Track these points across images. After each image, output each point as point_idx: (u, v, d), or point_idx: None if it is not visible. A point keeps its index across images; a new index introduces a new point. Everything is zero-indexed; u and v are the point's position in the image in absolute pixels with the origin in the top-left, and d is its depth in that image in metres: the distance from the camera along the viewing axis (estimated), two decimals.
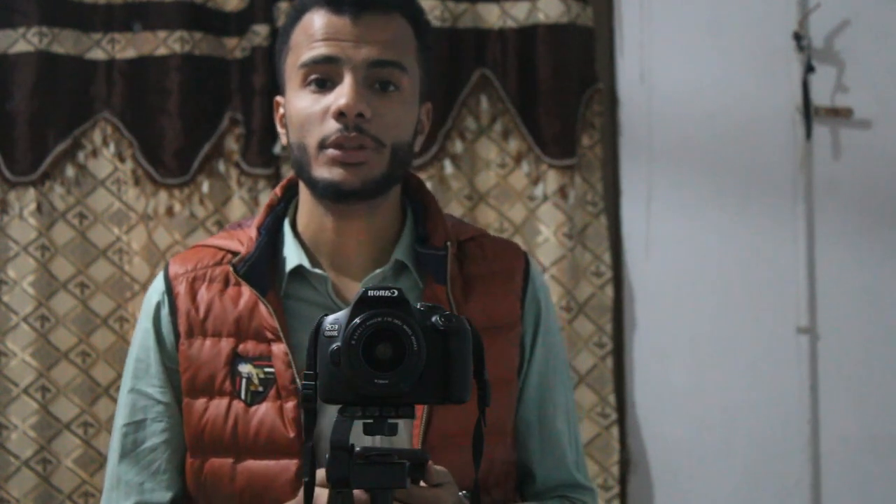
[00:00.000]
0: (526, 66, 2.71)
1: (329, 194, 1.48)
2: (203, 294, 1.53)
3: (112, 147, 2.67)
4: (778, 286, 2.72)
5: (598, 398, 2.69)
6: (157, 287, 1.57)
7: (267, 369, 1.48)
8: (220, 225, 2.65)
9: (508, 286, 1.57)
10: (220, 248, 1.56)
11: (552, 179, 2.71)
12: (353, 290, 1.52)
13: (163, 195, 2.66)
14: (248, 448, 1.47)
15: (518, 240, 2.70)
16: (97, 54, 2.67)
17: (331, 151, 1.46)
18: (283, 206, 1.60)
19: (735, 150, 2.73)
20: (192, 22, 2.66)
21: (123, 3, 2.67)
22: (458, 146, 2.72)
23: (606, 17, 2.79)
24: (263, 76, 2.65)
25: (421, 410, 1.45)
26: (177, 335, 1.52)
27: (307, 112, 1.48)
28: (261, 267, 1.53)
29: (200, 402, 1.50)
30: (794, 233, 2.72)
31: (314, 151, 1.47)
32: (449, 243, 1.53)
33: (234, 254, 1.54)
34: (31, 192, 2.63)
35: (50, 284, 2.62)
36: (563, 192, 2.70)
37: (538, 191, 2.72)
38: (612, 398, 2.69)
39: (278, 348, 1.48)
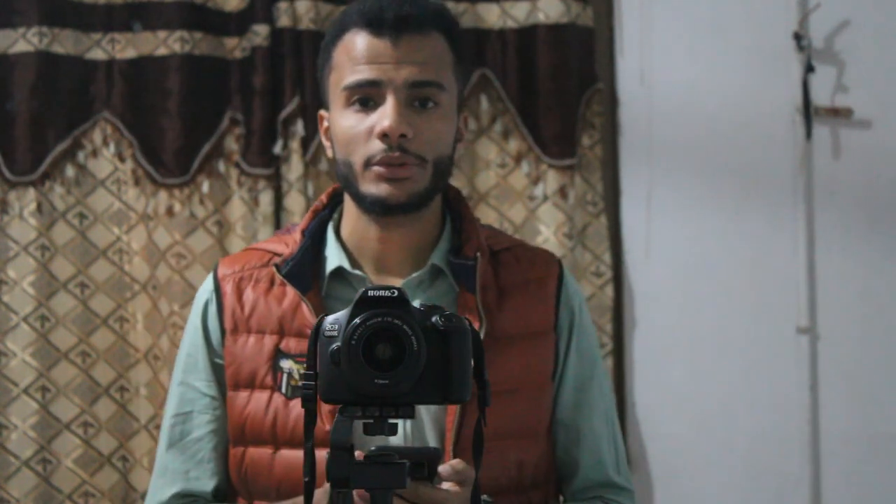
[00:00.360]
0: (526, 66, 2.71)
1: (376, 209, 1.56)
2: (249, 293, 1.61)
3: (112, 147, 2.67)
4: (778, 286, 2.72)
5: None
6: (207, 286, 1.65)
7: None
8: (220, 225, 2.66)
9: (542, 294, 1.63)
10: (268, 251, 1.65)
11: (552, 179, 2.71)
12: None
13: (163, 195, 2.66)
14: (287, 439, 1.55)
15: None
16: (97, 54, 2.67)
17: (377, 168, 1.53)
18: (328, 212, 1.67)
19: (735, 150, 2.73)
20: (192, 22, 2.66)
21: (123, 3, 2.67)
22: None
23: (606, 17, 2.79)
24: (263, 76, 2.65)
25: (454, 412, 1.51)
26: (223, 332, 1.61)
27: (353, 132, 1.54)
28: (303, 268, 1.60)
29: (243, 395, 1.58)
30: (793, 233, 2.72)
31: (360, 169, 1.54)
32: (479, 254, 1.60)
33: (280, 256, 1.62)
34: (31, 192, 2.63)
35: (50, 284, 2.62)
36: (563, 192, 2.70)
37: (538, 191, 2.72)
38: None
39: None
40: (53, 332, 2.61)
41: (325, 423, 1.50)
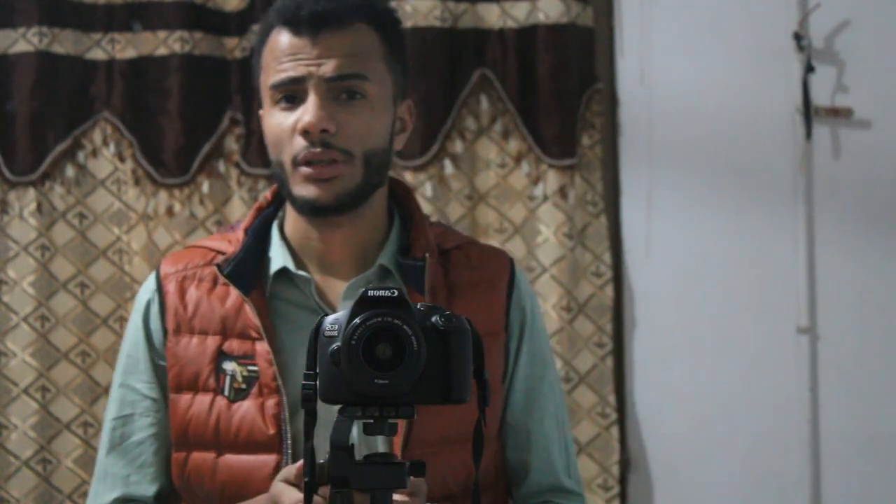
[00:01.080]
0: (526, 66, 2.71)
1: (307, 211, 1.53)
2: (192, 293, 1.57)
3: (112, 147, 2.67)
4: (778, 286, 2.72)
5: (598, 398, 2.69)
6: (149, 286, 1.62)
7: (250, 367, 1.53)
8: (220, 225, 2.66)
9: (493, 294, 1.59)
10: (211, 249, 1.60)
11: (552, 179, 2.71)
12: (338, 292, 1.56)
13: (163, 195, 2.66)
14: (230, 443, 1.51)
15: (518, 240, 2.70)
16: (97, 54, 2.67)
17: (303, 169, 1.50)
18: (273, 210, 1.63)
19: (735, 150, 2.73)
20: (192, 22, 2.66)
21: (123, 3, 2.67)
22: (458, 146, 2.72)
23: (606, 17, 2.78)
24: None
25: (401, 423, 1.47)
26: (165, 332, 1.57)
27: (279, 129, 1.52)
28: (246, 267, 1.57)
29: (185, 398, 1.54)
30: (794, 233, 2.72)
31: (289, 168, 1.52)
32: (428, 255, 1.56)
33: (223, 254, 1.58)
34: (31, 192, 2.63)
35: (50, 284, 2.62)
36: (563, 192, 2.70)
37: (538, 191, 2.72)
38: (612, 398, 2.69)
39: (261, 347, 1.52)
40: (53, 332, 2.61)
41: (268, 428, 1.49)
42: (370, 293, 1.18)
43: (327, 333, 1.19)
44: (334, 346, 1.17)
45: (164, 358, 1.57)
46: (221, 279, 1.56)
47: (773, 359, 2.72)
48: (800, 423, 2.70)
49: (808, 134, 2.70)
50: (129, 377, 1.59)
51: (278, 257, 1.58)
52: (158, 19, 2.66)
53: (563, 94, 2.71)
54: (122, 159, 2.67)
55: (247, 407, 1.51)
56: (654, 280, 2.75)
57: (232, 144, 2.68)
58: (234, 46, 2.70)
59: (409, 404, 1.18)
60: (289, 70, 1.51)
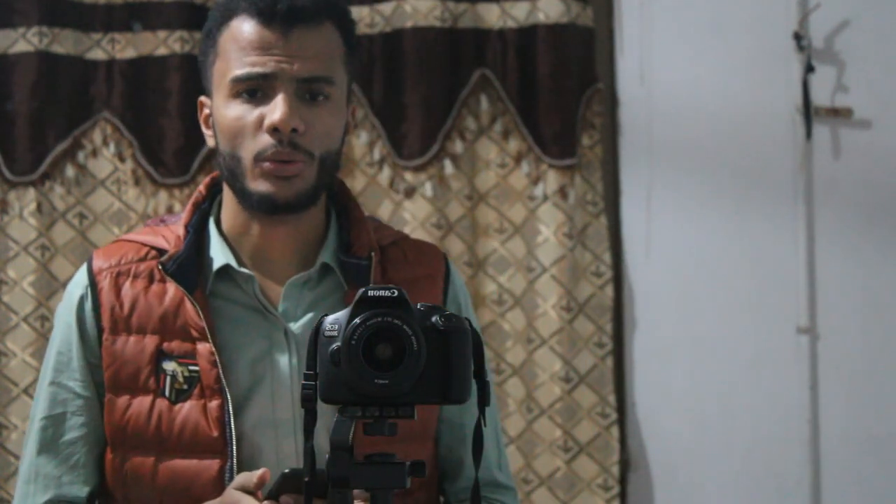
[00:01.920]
0: (526, 66, 2.71)
1: (263, 207, 1.49)
2: (127, 290, 1.52)
3: (112, 147, 2.67)
4: (778, 286, 2.72)
5: (598, 398, 2.69)
6: (80, 281, 1.56)
7: (192, 367, 1.49)
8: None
9: (430, 290, 1.59)
10: (145, 244, 1.56)
11: (552, 179, 2.71)
12: (277, 291, 1.54)
13: (163, 195, 2.66)
14: (172, 446, 1.48)
15: (518, 240, 2.70)
16: (97, 54, 2.67)
17: (266, 165, 1.47)
18: (209, 204, 1.60)
19: (735, 150, 2.73)
20: (192, 22, 2.66)
21: (123, 3, 2.67)
22: (458, 146, 2.72)
23: (606, 17, 2.79)
24: None
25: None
26: (100, 330, 1.52)
27: (240, 123, 1.48)
28: (188, 265, 1.53)
29: (123, 399, 1.50)
30: (794, 233, 2.72)
31: (249, 164, 1.48)
32: (373, 253, 1.55)
33: (159, 250, 1.54)
34: (31, 192, 2.63)
35: (50, 284, 2.62)
36: (563, 192, 2.70)
37: (538, 191, 2.72)
38: (612, 398, 2.69)
39: (203, 347, 1.49)
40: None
41: (212, 430, 1.46)
42: (370, 293, 1.17)
43: (327, 333, 1.19)
44: (334, 346, 1.17)
45: (99, 356, 1.52)
46: (158, 276, 1.52)
47: (773, 359, 2.72)
48: (800, 423, 2.70)
49: (808, 134, 2.70)
50: (60, 375, 1.54)
51: (219, 254, 1.54)
52: (158, 19, 2.66)
53: (563, 93, 2.71)
54: (122, 159, 2.67)
55: (189, 408, 1.48)
56: (654, 280, 2.75)
57: None
58: None
59: (409, 404, 1.18)
60: (257, 64, 1.47)
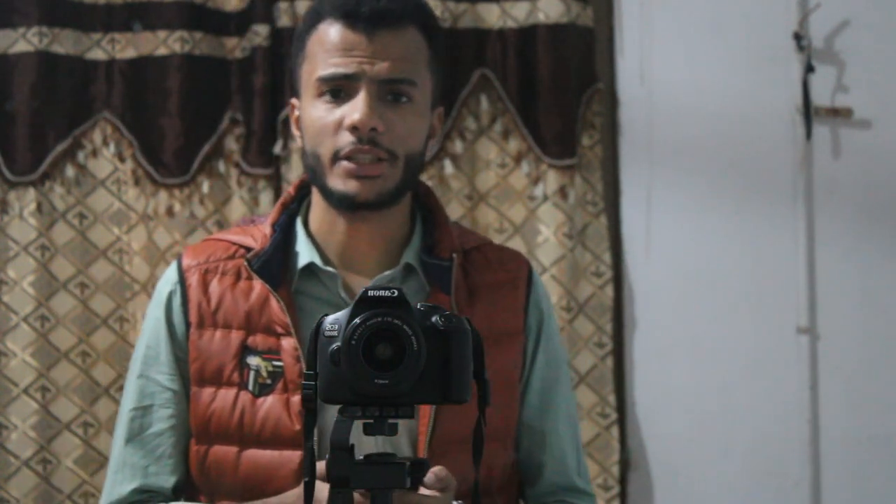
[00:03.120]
0: (526, 66, 2.71)
1: (344, 206, 1.54)
2: (215, 286, 1.57)
3: (112, 147, 2.67)
4: (778, 286, 2.72)
5: (598, 398, 2.69)
6: (170, 277, 1.61)
7: (275, 363, 1.53)
8: (220, 225, 2.66)
9: (512, 295, 1.61)
10: (234, 243, 1.61)
11: (552, 179, 2.71)
12: (362, 288, 1.54)
13: (163, 195, 2.66)
14: (254, 438, 1.51)
15: (518, 240, 2.70)
16: (97, 54, 2.67)
17: (345, 164, 1.51)
18: (297, 205, 1.64)
19: (735, 150, 2.73)
20: (192, 22, 2.66)
21: (123, 3, 2.67)
22: (458, 146, 2.72)
23: (606, 17, 2.78)
24: (263, 76, 2.65)
25: (427, 417, 1.49)
26: (187, 325, 1.57)
27: (322, 122, 1.52)
28: (274, 263, 1.57)
29: (208, 392, 1.54)
30: (794, 233, 2.72)
31: (328, 162, 1.52)
32: (455, 255, 1.58)
33: (247, 249, 1.59)
34: (31, 192, 2.62)
35: (50, 284, 2.62)
36: (563, 192, 2.70)
37: (538, 191, 2.72)
38: (612, 398, 2.69)
39: (288, 343, 1.53)
40: (53, 332, 2.61)
41: (294, 424, 1.50)
42: (370, 293, 1.18)
43: (327, 333, 1.19)
44: (334, 346, 1.18)
45: (186, 351, 1.56)
46: (244, 273, 1.56)
47: (773, 359, 2.72)
48: (800, 423, 2.70)
49: (808, 134, 2.70)
50: (148, 368, 1.59)
51: (305, 253, 1.58)
52: (158, 19, 2.66)
53: (563, 93, 2.71)
54: (122, 159, 2.67)
55: (272, 402, 1.51)
56: (654, 280, 2.75)
57: (232, 144, 2.68)
58: (234, 46, 2.69)
59: (409, 404, 1.19)
60: (341, 65, 1.51)
